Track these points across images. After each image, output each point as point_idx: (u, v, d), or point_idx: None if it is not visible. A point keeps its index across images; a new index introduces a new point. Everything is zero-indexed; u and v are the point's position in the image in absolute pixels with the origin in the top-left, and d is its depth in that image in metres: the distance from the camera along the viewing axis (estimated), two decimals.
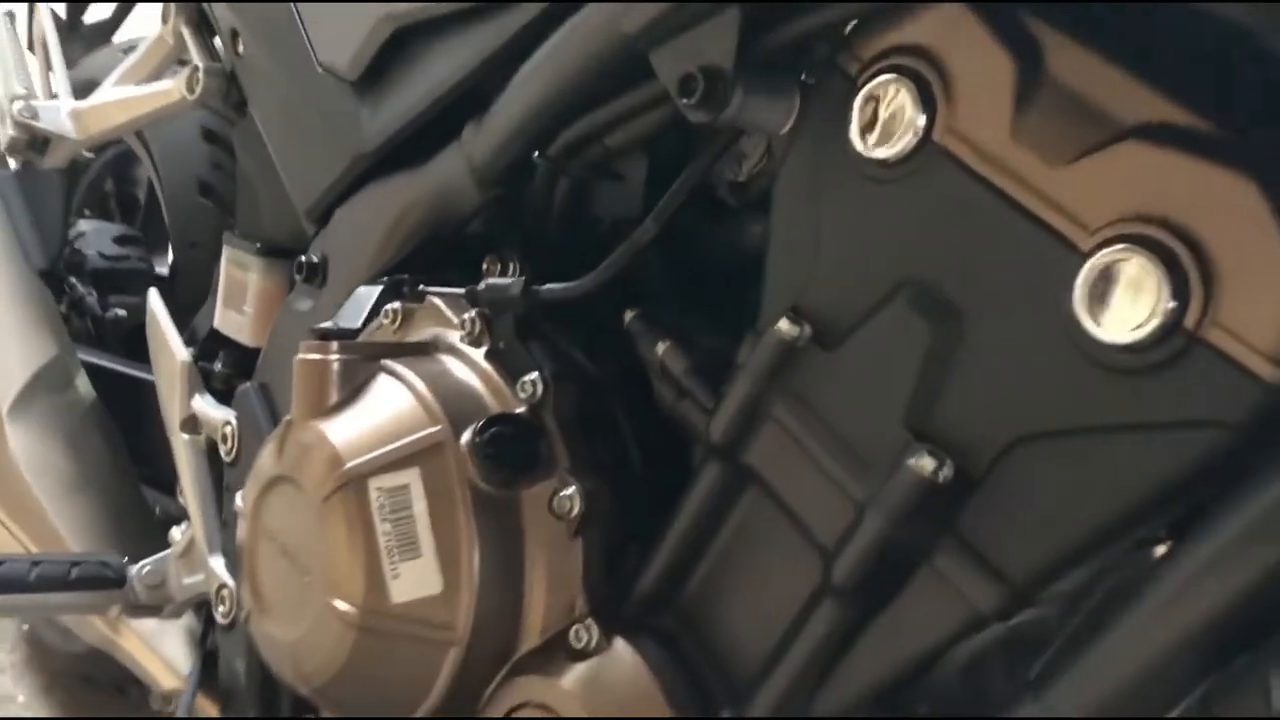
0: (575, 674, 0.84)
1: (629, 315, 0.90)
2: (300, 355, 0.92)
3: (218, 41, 1.31)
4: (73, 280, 1.69)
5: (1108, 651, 0.63)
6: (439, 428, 0.87)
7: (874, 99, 0.73)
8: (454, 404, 0.89)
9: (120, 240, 1.76)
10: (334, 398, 0.91)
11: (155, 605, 1.26)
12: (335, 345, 0.91)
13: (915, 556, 0.72)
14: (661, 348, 0.86)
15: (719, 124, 0.78)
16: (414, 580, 0.85)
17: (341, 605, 0.85)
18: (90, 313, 1.68)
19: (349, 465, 0.86)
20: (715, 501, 0.82)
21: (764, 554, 0.81)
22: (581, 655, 0.85)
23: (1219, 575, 0.60)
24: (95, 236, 1.75)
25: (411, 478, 0.86)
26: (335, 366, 0.91)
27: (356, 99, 1.11)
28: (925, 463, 0.70)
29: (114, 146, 1.73)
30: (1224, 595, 0.60)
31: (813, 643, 0.76)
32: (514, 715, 0.86)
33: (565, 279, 0.90)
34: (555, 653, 0.86)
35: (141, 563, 1.25)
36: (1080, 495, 0.66)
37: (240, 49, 1.26)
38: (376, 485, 0.85)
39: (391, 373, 0.91)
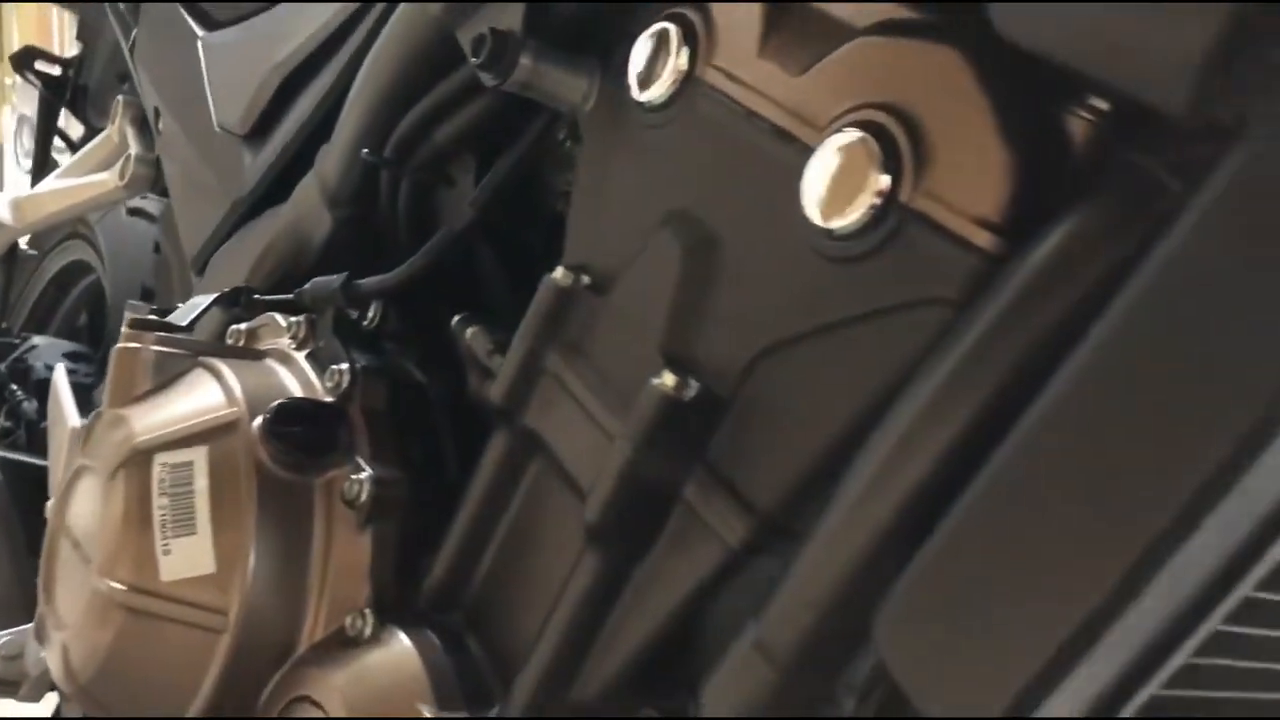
0: (344, 666, 0.79)
1: (456, 318, 0.88)
2: (117, 345, 0.91)
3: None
4: (14, 387, 1.71)
5: (810, 559, 0.58)
6: (234, 409, 0.85)
7: (645, 47, 0.74)
8: (258, 393, 0.86)
9: (70, 355, 1.79)
10: (144, 386, 0.89)
11: (13, 681, 1.21)
12: (151, 335, 0.90)
13: (671, 493, 0.67)
14: (469, 333, 0.84)
15: (511, 87, 0.78)
16: (186, 558, 0.80)
17: (111, 584, 0.81)
18: (26, 418, 1.69)
19: (137, 440, 0.83)
20: (502, 473, 0.78)
21: (546, 527, 0.76)
22: (354, 646, 0.79)
23: (900, 468, 0.55)
24: (46, 350, 1.78)
25: (197, 455, 0.83)
26: (148, 355, 0.90)
27: (245, 150, 1.14)
28: (666, 380, 0.66)
29: (64, 244, 1.78)
30: (907, 487, 0.54)
31: (573, 606, 0.71)
32: (284, 713, 0.80)
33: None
34: (333, 645, 0.81)
35: (2, 634, 1.21)
36: (818, 403, 0.62)
37: (160, 126, 1.31)
38: (161, 461, 0.83)
39: (207, 366, 0.90)
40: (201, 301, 0.97)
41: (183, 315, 0.95)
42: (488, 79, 0.78)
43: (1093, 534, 0.43)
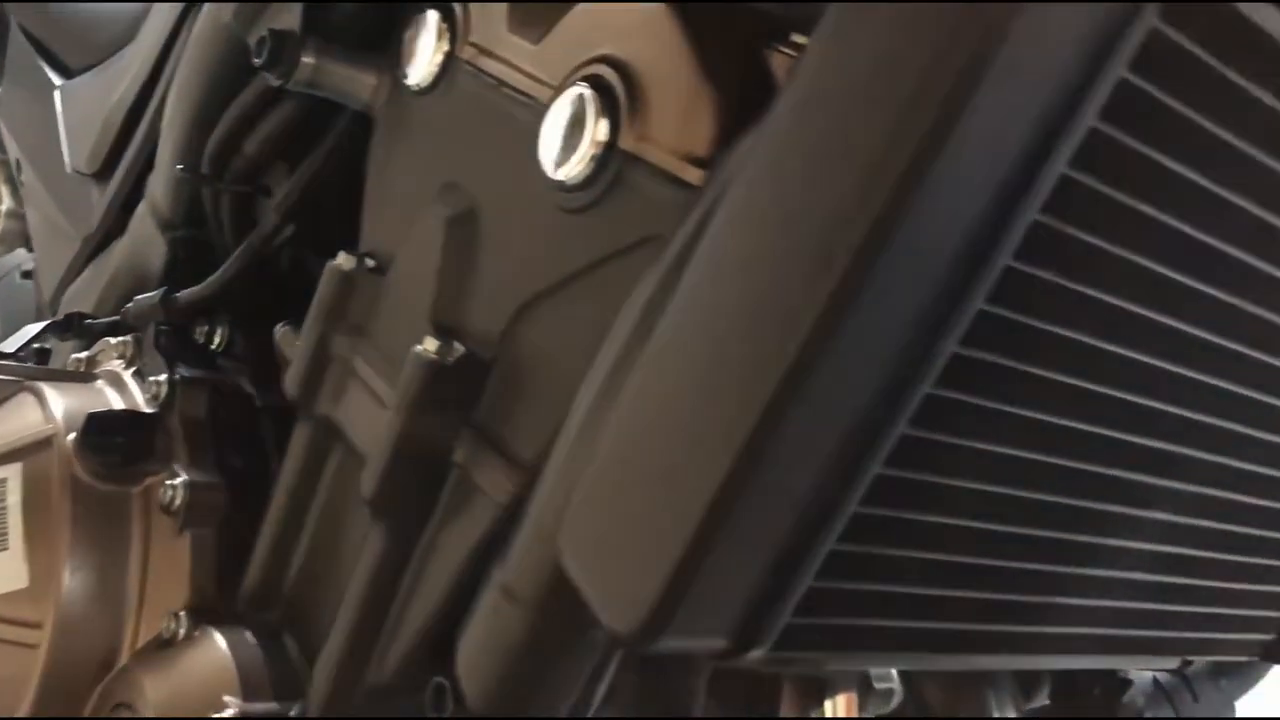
0: (157, 668, 0.78)
1: (278, 326, 0.89)
2: None
3: None
4: None
5: (540, 498, 0.58)
6: (49, 426, 0.85)
7: (411, 34, 0.75)
8: (78, 410, 0.87)
9: None
10: None
11: None
12: None
13: (444, 459, 0.68)
14: (279, 332, 0.85)
15: (297, 86, 0.79)
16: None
17: None
18: None
19: None
20: (306, 465, 0.79)
21: (349, 513, 0.76)
22: (170, 648, 0.79)
23: (607, 399, 0.56)
24: None
25: (11, 472, 0.83)
26: None
27: (94, 189, 1.15)
28: (429, 346, 0.67)
29: None
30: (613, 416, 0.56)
31: (363, 585, 0.71)
32: (108, 716, 0.80)
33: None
34: (151, 650, 0.80)
35: None
36: (570, 352, 0.62)
37: (22, 177, 1.32)
38: None
39: (31, 390, 0.90)
40: (32, 329, 0.97)
41: (12, 343, 0.95)
42: (272, 79, 0.80)
43: (710, 425, 0.44)
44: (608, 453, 0.49)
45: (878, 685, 0.99)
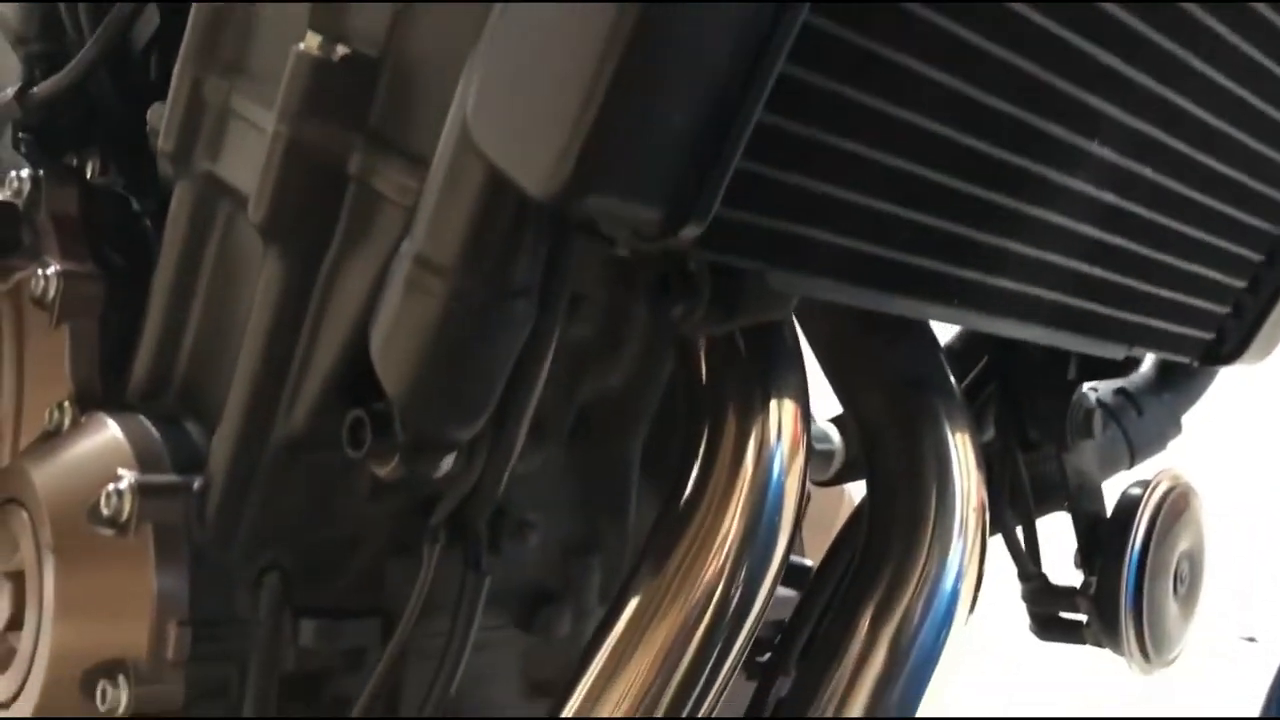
0: (43, 458, 0.72)
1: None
2: None
3: None
4: None
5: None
6: None
7: None
8: None
9: None
10: None
11: None
12: None
13: (338, 172, 0.62)
14: (152, 111, 0.78)
15: None
16: None
17: None
18: None
19: None
20: (190, 233, 0.72)
21: (242, 272, 0.70)
22: (55, 438, 0.73)
23: None
24: None
25: None
26: None
27: None
28: (311, 43, 0.61)
29: None
30: None
31: (263, 327, 0.66)
32: None
33: None
34: (36, 446, 0.74)
35: None
36: (460, 38, 0.57)
37: None
38: None
39: None
40: None
41: None
42: None
43: None
44: (500, 42, 0.45)
45: (818, 446, 0.96)
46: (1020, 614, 0.85)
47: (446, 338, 0.54)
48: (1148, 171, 0.62)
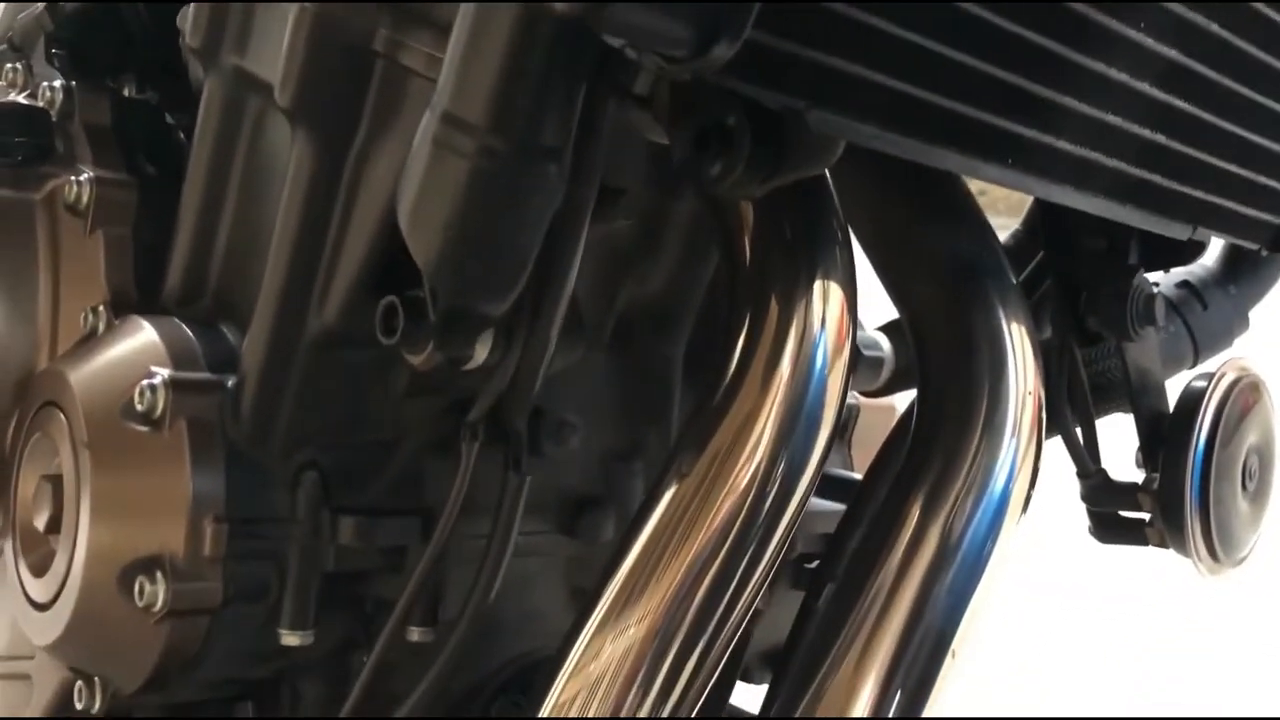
0: (78, 360, 0.71)
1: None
2: None
3: None
4: None
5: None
6: None
7: None
8: None
9: None
10: None
11: None
12: None
13: (364, 48, 0.61)
14: (181, 13, 0.77)
15: None
16: None
17: None
18: None
19: None
20: (220, 130, 0.71)
21: (276, 169, 0.69)
22: (90, 340, 0.72)
23: None
24: None
25: None
26: None
27: None
28: None
29: None
30: None
31: (294, 219, 0.64)
32: (31, 429, 0.73)
33: None
34: (72, 351, 0.73)
35: None
36: None
37: None
38: None
39: None
40: None
41: None
42: None
43: None
44: None
45: (867, 353, 0.93)
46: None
47: (476, 199, 0.52)
48: (1214, 27, 0.59)
